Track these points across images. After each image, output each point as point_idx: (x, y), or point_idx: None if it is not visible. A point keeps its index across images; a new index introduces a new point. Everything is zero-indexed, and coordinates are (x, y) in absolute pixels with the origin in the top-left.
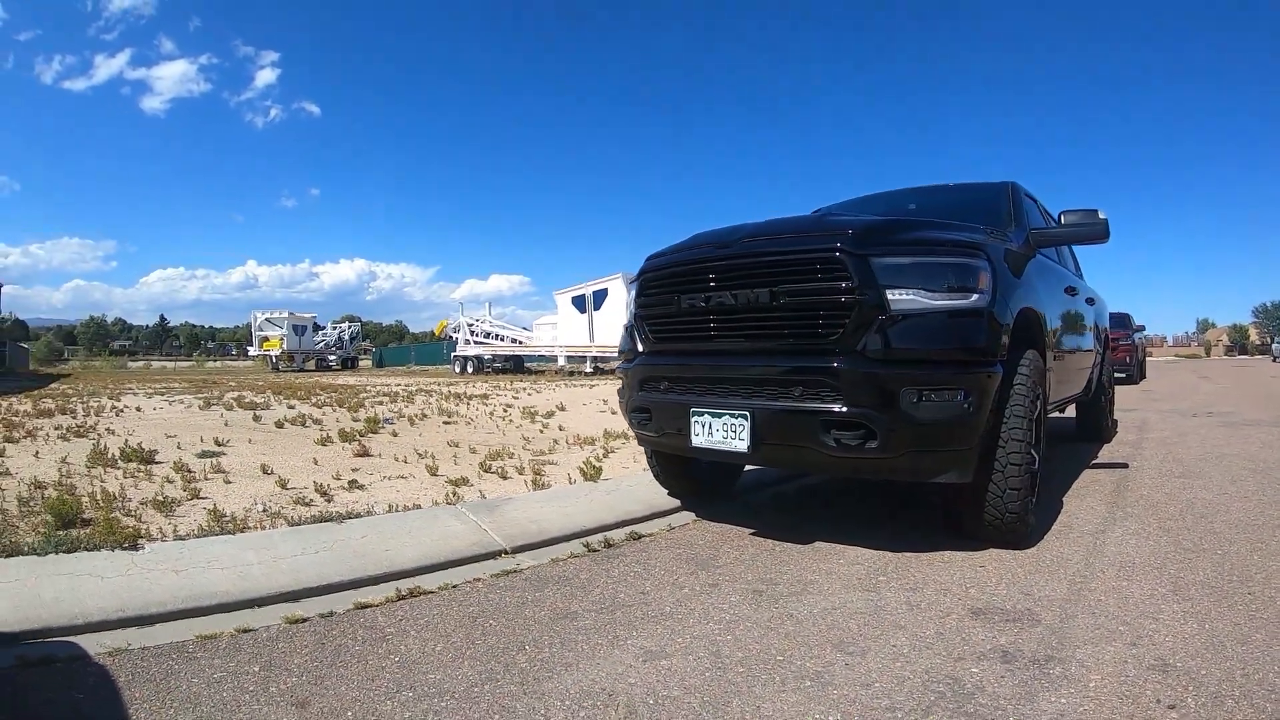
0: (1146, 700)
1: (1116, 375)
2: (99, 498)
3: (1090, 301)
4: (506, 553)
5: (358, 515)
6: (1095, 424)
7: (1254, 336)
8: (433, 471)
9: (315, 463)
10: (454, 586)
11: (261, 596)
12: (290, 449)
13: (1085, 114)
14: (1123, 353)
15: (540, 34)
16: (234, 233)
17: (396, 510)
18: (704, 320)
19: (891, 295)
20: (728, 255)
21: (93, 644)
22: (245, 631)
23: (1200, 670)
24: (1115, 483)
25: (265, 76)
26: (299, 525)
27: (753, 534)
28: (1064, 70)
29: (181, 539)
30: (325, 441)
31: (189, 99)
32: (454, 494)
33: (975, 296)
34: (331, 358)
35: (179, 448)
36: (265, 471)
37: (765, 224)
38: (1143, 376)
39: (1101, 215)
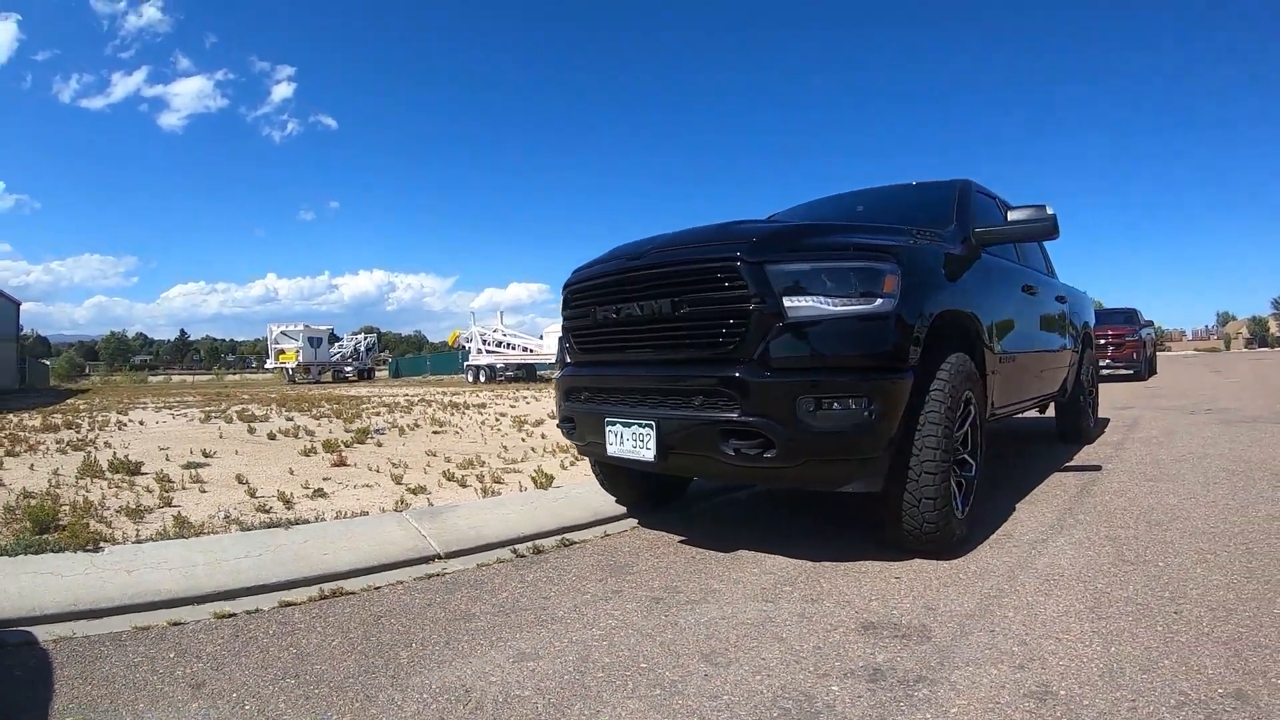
0: None
1: (1122, 372)
2: (79, 506)
3: (1061, 299)
4: (440, 557)
5: (306, 522)
6: (1075, 424)
7: (1274, 328)
8: (397, 480)
9: (291, 473)
10: (376, 589)
11: (201, 594)
12: (273, 459)
13: (1100, 105)
14: (1129, 349)
15: (558, 41)
16: (254, 246)
17: (345, 517)
18: (617, 331)
19: (789, 302)
20: (635, 267)
21: (43, 633)
22: (176, 624)
23: (1083, 700)
24: (1079, 487)
25: (281, 91)
26: (250, 530)
27: (681, 541)
28: (1078, 63)
29: (139, 543)
30: (309, 452)
31: (206, 115)
32: (403, 502)
33: (879, 301)
34: (348, 369)
35: (167, 459)
36: (240, 481)
37: (675, 234)
38: (1152, 373)
39: (1049, 211)
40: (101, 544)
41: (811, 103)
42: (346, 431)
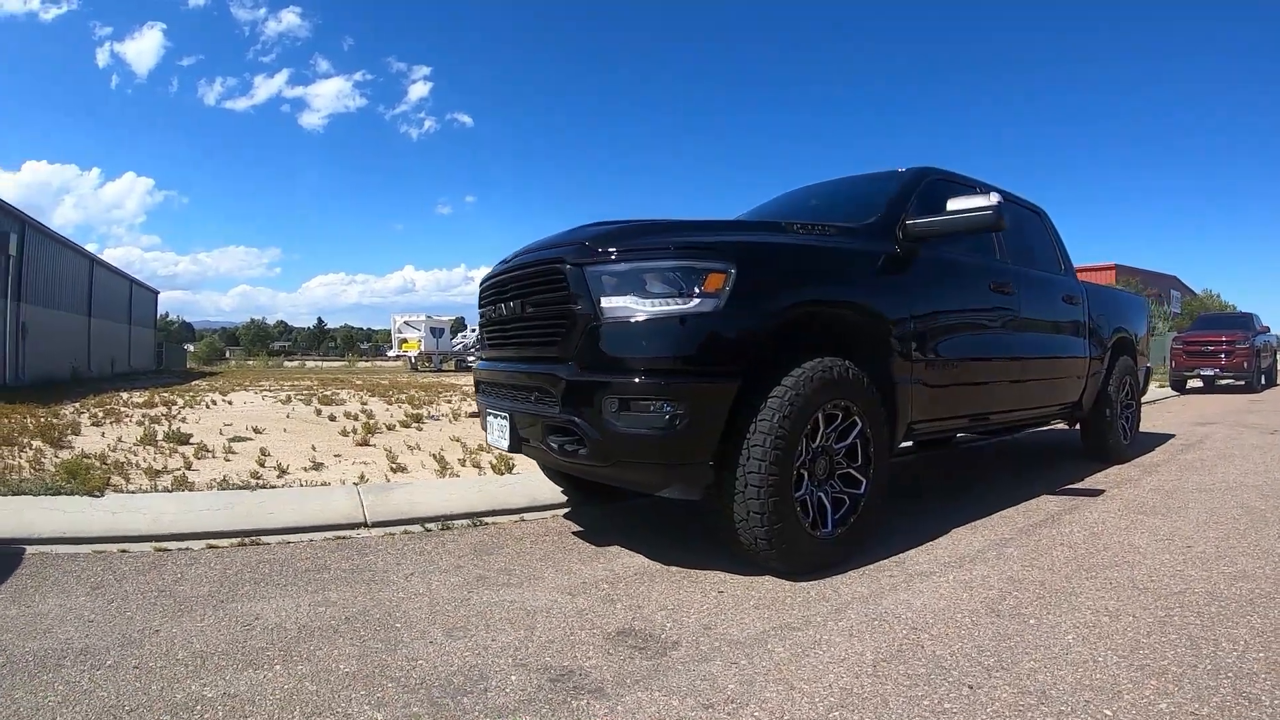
0: None
1: (1232, 383)
2: (116, 464)
3: (1071, 300)
4: (366, 525)
5: (274, 487)
6: (1100, 442)
7: None
8: (392, 460)
9: (313, 449)
10: (287, 543)
11: (156, 534)
12: (312, 437)
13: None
14: (1240, 357)
15: (687, 38)
16: (392, 240)
17: (313, 486)
18: (496, 329)
19: (605, 303)
20: (505, 269)
21: (32, 549)
22: (123, 551)
23: None
24: (1048, 516)
25: (418, 90)
26: (225, 490)
27: (575, 533)
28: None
29: (131, 494)
30: (346, 433)
31: (346, 114)
32: (363, 478)
33: (696, 301)
34: (470, 358)
35: (220, 434)
36: (264, 454)
37: (546, 237)
38: (1271, 384)
39: (992, 199)
40: (107, 491)
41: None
42: (407, 416)
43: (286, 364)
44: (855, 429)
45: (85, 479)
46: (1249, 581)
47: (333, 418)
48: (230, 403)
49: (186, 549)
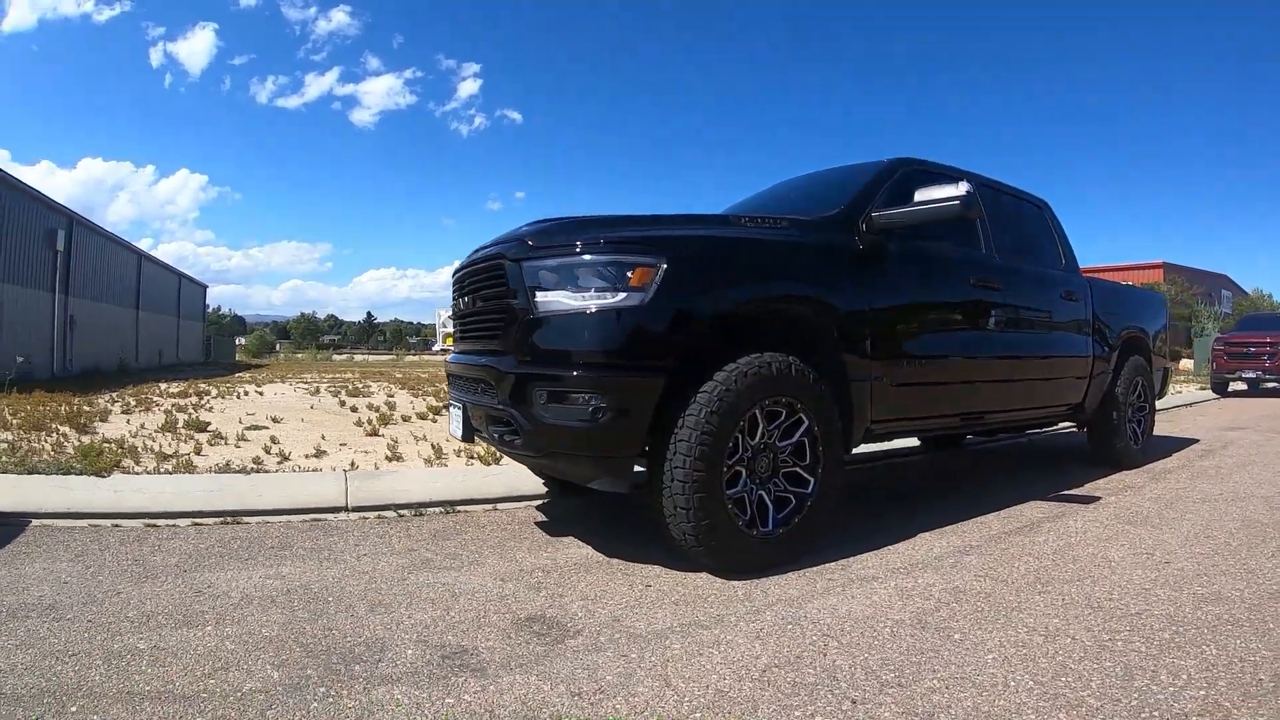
0: None
1: (1277, 386)
2: (133, 449)
3: (1071, 296)
4: (346, 510)
5: (267, 471)
6: (1107, 446)
7: None
8: (391, 450)
9: (323, 438)
10: (267, 523)
11: (150, 512)
12: (327, 427)
13: None
14: None
15: (733, 34)
16: (443, 235)
17: (304, 472)
18: (457, 323)
19: (539, 297)
20: (464, 264)
21: (37, 522)
22: (116, 526)
23: None
24: (1030, 523)
25: (468, 87)
26: (223, 474)
27: (538, 523)
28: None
29: (136, 475)
30: (361, 424)
31: (396, 111)
32: (353, 465)
33: (622, 295)
34: None
35: (240, 422)
36: (273, 441)
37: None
38: None
39: (960, 189)
40: (109, 473)
41: None
42: (427, 408)
43: (334, 358)
44: (801, 426)
45: (94, 461)
46: (1220, 605)
47: (354, 409)
48: (261, 394)
49: (174, 526)
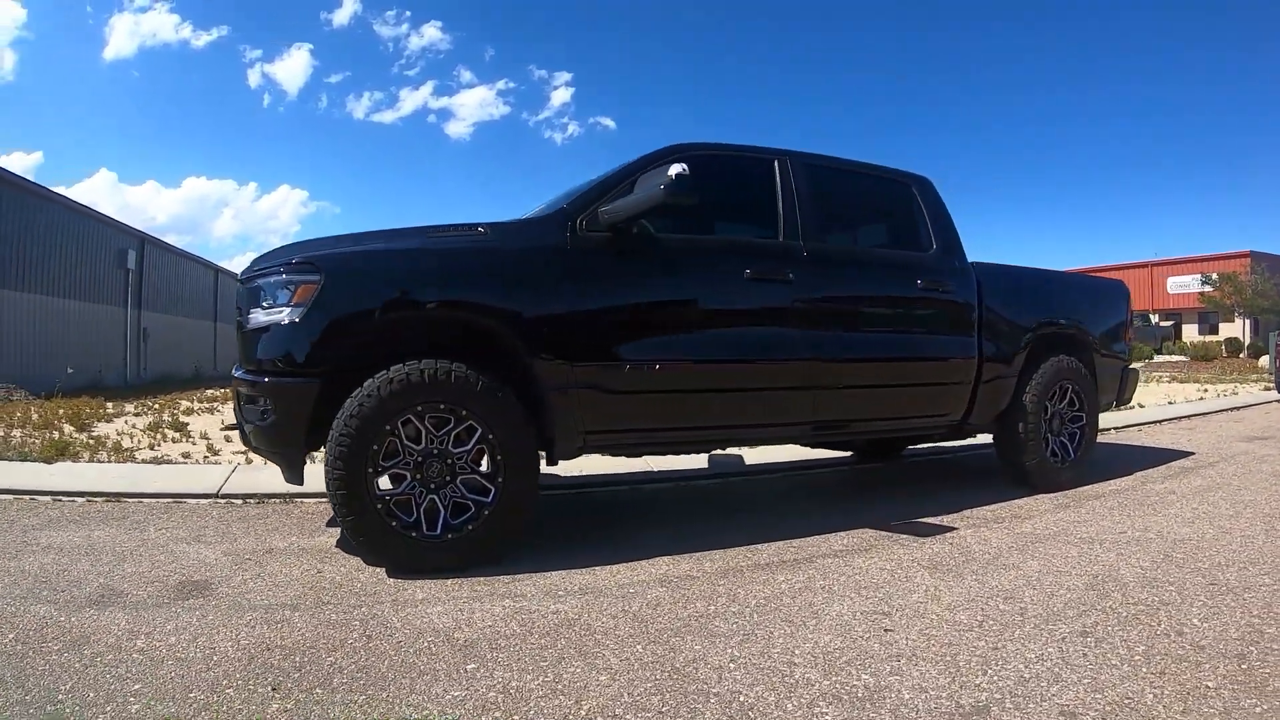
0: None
1: None
2: (105, 444)
3: (938, 287)
4: (215, 496)
5: (180, 463)
6: (1015, 463)
7: None
8: None
9: None
10: (142, 504)
11: (61, 491)
12: None
13: None
14: None
15: (819, 44)
16: None
17: (211, 465)
18: None
19: (250, 314)
20: None
21: None
22: (57, 502)
23: None
24: (805, 559)
25: (560, 96)
26: (146, 464)
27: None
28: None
29: (79, 462)
30: None
31: (490, 122)
32: (248, 459)
33: (287, 311)
34: None
35: (223, 423)
36: (226, 440)
37: None
38: None
39: (670, 172)
40: (63, 460)
41: None
42: None
43: None
44: (476, 434)
45: (48, 450)
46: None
47: None
48: None
49: (68, 500)
